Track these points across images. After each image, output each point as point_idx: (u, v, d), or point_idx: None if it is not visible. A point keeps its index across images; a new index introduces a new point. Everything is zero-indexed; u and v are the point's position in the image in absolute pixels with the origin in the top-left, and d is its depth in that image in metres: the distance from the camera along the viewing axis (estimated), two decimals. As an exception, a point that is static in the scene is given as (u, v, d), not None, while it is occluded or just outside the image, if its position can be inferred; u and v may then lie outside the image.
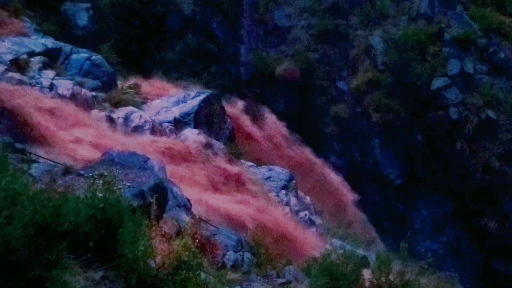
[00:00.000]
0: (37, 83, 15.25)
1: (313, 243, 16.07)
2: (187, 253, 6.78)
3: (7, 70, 14.88)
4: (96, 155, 12.74)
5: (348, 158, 26.56)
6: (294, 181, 19.83)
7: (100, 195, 7.43)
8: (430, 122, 25.27)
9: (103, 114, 16.07)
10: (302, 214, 18.34)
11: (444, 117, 24.99)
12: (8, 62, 15.30)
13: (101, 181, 8.00)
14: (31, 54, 16.46)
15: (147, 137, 15.91)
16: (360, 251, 15.36)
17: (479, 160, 24.07)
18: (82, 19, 23.14)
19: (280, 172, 19.68)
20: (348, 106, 26.89)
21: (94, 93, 16.67)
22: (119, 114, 16.53)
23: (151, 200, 8.76)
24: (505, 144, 23.86)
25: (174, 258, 6.77)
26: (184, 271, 6.56)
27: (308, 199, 20.27)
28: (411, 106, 25.52)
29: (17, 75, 14.97)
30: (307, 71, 27.30)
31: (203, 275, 7.23)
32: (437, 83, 25.31)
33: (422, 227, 25.45)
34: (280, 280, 10.90)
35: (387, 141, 25.91)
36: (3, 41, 16.43)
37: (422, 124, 25.48)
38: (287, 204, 18.27)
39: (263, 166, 19.87)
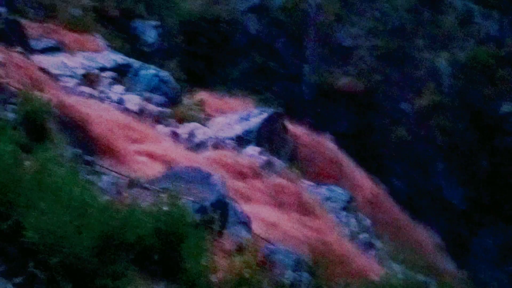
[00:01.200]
0: (106, 97, 15.74)
1: (372, 266, 15.79)
2: (249, 270, 6.81)
3: (79, 84, 15.45)
4: (160, 169, 12.99)
5: (409, 181, 26.15)
6: (354, 203, 19.62)
7: (165, 208, 7.58)
8: (497, 148, 24.74)
9: (168, 129, 16.42)
10: (361, 236, 18.09)
11: (511, 143, 24.46)
12: (80, 77, 15.89)
13: (165, 195, 8.15)
14: (102, 69, 17.04)
15: (210, 153, 16.10)
16: (421, 277, 15.02)
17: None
18: (151, 36, 23.78)
19: (340, 193, 19.50)
20: (411, 129, 26.52)
21: (160, 109, 17.05)
22: (183, 129, 16.84)
23: (214, 216, 8.83)
24: None
25: (235, 274, 6.80)
26: (245, 288, 6.59)
27: (368, 221, 19.97)
28: (477, 131, 25.04)
29: (88, 89, 15.52)
30: (370, 92, 27.14)
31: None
32: (505, 108, 24.82)
33: (486, 255, 24.80)
34: (339, 303, 10.76)
35: (451, 165, 25.45)
36: (76, 56, 17.09)
37: (488, 150, 24.95)
38: (347, 225, 18.08)
39: (322, 186, 19.74)
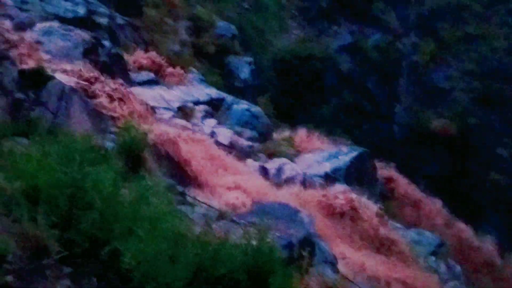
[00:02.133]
0: (199, 130, 16.14)
1: (462, 316, 15.18)
2: (336, 311, 6.69)
3: (174, 116, 15.95)
4: (248, 203, 13.12)
5: (504, 229, 25.02)
6: (445, 248, 19.00)
7: (254, 243, 7.61)
8: None
9: (257, 164, 16.59)
10: (451, 284, 17.45)
11: None
12: (176, 109, 16.42)
13: (253, 229, 8.20)
14: (197, 103, 17.54)
15: (297, 189, 16.10)
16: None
17: None
18: (244, 72, 24.27)
19: (429, 237, 18.96)
20: (507, 175, 25.49)
21: (250, 143, 17.28)
22: (272, 165, 16.96)
23: (302, 253, 8.79)
24: None
25: (322, 314, 6.71)
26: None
27: (458, 268, 19.24)
28: None
29: (182, 122, 15.99)
30: (465, 135, 26.39)
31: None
32: None
33: None
34: None
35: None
36: (172, 89, 17.70)
37: None
38: (436, 271, 17.50)
39: (412, 229, 19.26)
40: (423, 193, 22.37)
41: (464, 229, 22.07)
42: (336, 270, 12.06)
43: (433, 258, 18.06)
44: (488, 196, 25.39)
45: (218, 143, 16.02)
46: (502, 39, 27.22)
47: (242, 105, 19.08)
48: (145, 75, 18.00)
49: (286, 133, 20.73)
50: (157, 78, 18.28)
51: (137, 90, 16.05)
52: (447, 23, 28.31)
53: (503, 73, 26.64)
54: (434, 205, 22.29)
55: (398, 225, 18.64)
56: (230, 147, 16.18)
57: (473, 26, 27.85)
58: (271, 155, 17.72)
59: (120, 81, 14.78)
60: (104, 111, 12.66)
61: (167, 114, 16.00)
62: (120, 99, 13.33)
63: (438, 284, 16.56)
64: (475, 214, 24.57)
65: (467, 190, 25.58)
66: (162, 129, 14.11)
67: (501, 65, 26.75)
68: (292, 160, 18.03)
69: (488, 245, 22.40)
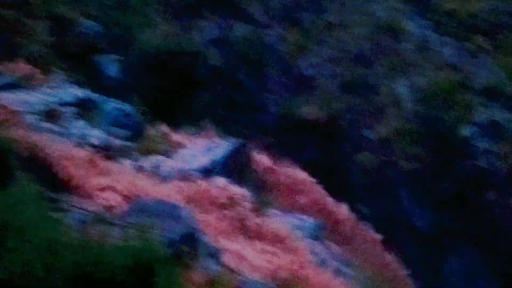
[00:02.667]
0: (68, 133, 15.48)
1: (343, 294, 15.75)
2: (223, 303, 6.69)
3: (40, 120, 15.18)
4: (126, 203, 12.79)
5: (375, 206, 26.26)
6: (322, 230, 19.61)
7: (135, 243, 7.43)
8: (459, 171, 25.07)
9: (133, 163, 16.23)
10: (332, 264, 18.04)
11: (473, 166, 24.82)
12: (42, 113, 15.63)
13: (132, 230, 8.01)
14: (64, 104, 16.80)
15: (176, 185, 15.94)
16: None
17: (511, 210, 23.75)
18: (112, 70, 23.67)
19: (307, 221, 19.47)
20: (374, 155, 26.74)
21: (124, 142, 16.86)
22: (148, 162, 16.66)
23: (185, 249, 8.71)
24: (538, 194, 23.54)
25: (209, 308, 6.68)
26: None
27: (336, 248, 19.97)
28: (439, 155, 25.38)
29: (49, 125, 15.25)
30: (333, 120, 27.37)
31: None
32: (465, 131, 25.24)
33: (454, 280, 24.97)
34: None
35: (415, 190, 25.68)
36: (37, 92, 16.84)
37: (451, 173, 25.27)
38: (316, 253, 18.02)
39: (290, 215, 19.68)
40: (301, 179, 22.97)
41: (341, 211, 22.94)
42: (220, 263, 12.07)
43: (312, 240, 18.57)
44: (360, 176, 26.55)
45: (90, 145, 15.47)
46: (361, 26, 28.50)
47: (113, 104, 18.56)
48: (5, 79, 17.01)
49: (161, 129, 20.44)
50: (18, 81, 17.33)
51: (-4, 95, 15.15)
52: (309, 12, 29.23)
53: (364, 59, 27.94)
54: (312, 190, 22.99)
55: (278, 212, 19.00)
56: (103, 148, 15.68)
57: (333, 15, 28.95)
58: (146, 153, 17.40)
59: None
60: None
61: (32, 118, 15.21)
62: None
63: (320, 267, 17.08)
64: (350, 195, 25.63)
65: (341, 172, 26.59)
66: (27, 134, 13.41)
67: (361, 51, 28.03)
68: (168, 157, 17.81)
69: (363, 224, 23.49)
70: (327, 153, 27.45)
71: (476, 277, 24.88)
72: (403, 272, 22.94)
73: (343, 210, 23.20)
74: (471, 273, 24.91)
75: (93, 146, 15.47)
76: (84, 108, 17.56)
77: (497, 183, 23.92)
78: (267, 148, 24.21)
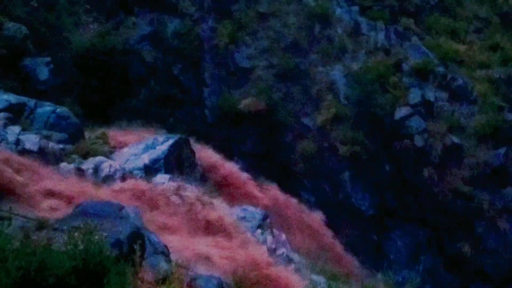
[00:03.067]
0: (2, 139, 15.02)
1: (293, 280, 15.91)
2: (176, 298, 6.66)
3: (-30, 128, 14.69)
4: (68, 207, 12.52)
5: (319, 193, 26.55)
6: (268, 220, 19.71)
7: (81, 246, 7.30)
8: (397, 152, 25.49)
9: (72, 166, 15.88)
10: (279, 252, 18.21)
11: (409, 146, 25.24)
12: (-29, 120, 15.12)
13: (77, 234, 7.85)
14: (-6, 111, 16.30)
15: (118, 185, 15.72)
16: (342, 285, 15.27)
17: (447, 186, 24.31)
18: (43, 73, 23.04)
19: (254, 212, 19.55)
20: (314, 142, 26.95)
21: (61, 146, 16.48)
22: (88, 165, 16.34)
23: (133, 248, 8.61)
24: (472, 169, 24.22)
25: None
26: (175, 317, 6.42)
27: (283, 236, 20.13)
28: (377, 137, 25.76)
29: (-19, 133, 14.78)
30: (272, 110, 27.42)
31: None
32: (400, 112, 25.64)
33: (397, 257, 25.40)
34: (267, 320, 10.74)
35: (356, 173, 26.02)
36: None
37: (389, 154, 25.70)
38: (264, 243, 18.12)
39: (236, 207, 19.73)
40: (244, 171, 23.03)
41: (285, 199, 23.15)
42: (169, 260, 11.99)
43: (259, 231, 18.67)
44: (302, 164, 26.73)
45: (26, 151, 15.06)
46: (292, 15, 28.66)
47: (47, 108, 18.10)
48: None
49: (99, 130, 20.09)
50: None
51: None
52: (240, 4, 29.17)
53: (297, 48, 28.12)
54: (256, 181, 23.09)
55: (223, 205, 19.01)
56: (40, 153, 15.29)
57: (265, 5, 29.00)
58: (85, 155, 17.07)
59: None
60: None
61: (-37, 128, 14.71)
62: None
63: (267, 254, 17.21)
64: (294, 182, 25.84)
65: (281, 162, 26.72)
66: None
67: (294, 40, 28.19)
68: (109, 157, 17.53)
69: (307, 210, 23.78)
70: (268, 143, 27.53)
71: (419, 254, 25.40)
72: (347, 252, 23.40)
73: (287, 198, 23.44)
74: (415, 251, 25.42)
75: (30, 151, 15.06)
76: (18, 114, 17.05)
77: (434, 161, 24.45)
78: (208, 142, 24.16)
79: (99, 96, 25.88)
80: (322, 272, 19.08)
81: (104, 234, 9.80)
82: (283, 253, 18.48)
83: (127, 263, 8.12)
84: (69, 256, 6.97)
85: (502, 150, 23.84)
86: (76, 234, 7.88)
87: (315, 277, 17.90)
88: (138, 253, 9.30)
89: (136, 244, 9.86)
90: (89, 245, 7.38)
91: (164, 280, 9.29)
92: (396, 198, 25.85)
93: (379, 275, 24.38)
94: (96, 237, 7.77)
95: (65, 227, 10.07)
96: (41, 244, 6.78)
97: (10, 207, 10.76)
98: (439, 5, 29.37)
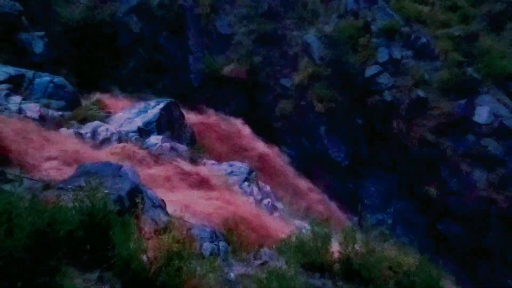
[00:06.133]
0: (5, 108, 14.81)
1: (279, 226, 16.10)
2: (177, 244, 6.70)
3: (-26, 99, 14.44)
4: (70, 169, 12.44)
5: (299, 147, 26.68)
6: (254, 173, 19.83)
7: (87, 203, 7.29)
8: (368, 107, 25.57)
9: (71, 131, 15.74)
10: (265, 201, 18.37)
11: (379, 101, 25.30)
12: (-25, 92, 14.86)
13: (81, 192, 7.82)
14: (-4, 83, 16.03)
15: (115, 147, 15.65)
16: (323, 228, 15.44)
17: (415, 135, 24.47)
18: (38, 46, 22.62)
19: (240, 167, 19.65)
20: (293, 101, 26.97)
21: (60, 113, 16.32)
22: (86, 129, 16.22)
23: (134, 202, 8.61)
24: (436, 119, 24.35)
25: (165, 250, 6.68)
26: (177, 261, 6.48)
27: (268, 188, 20.30)
28: (349, 94, 25.79)
29: (-15, 104, 14.55)
30: (252, 73, 27.33)
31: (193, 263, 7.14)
32: (370, 71, 25.64)
33: (371, 202, 25.76)
34: (258, 262, 10.87)
35: (331, 128, 26.14)
36: (-34, 72, 15.95)
37: (361, 109, 25.78)
38: (251, 194, 18.27)
39: (224, 163, 19.80)
40: (231, 129, 23.05)
41: (269, 153, 23.25)
42: (166, 213, 12.04)
43: (246, 183, 18.79)
44: (282, 121, 26.78)
45: (28, 118, 14.86)
46: (268, -16, 28.28)
47: (45, 78, 17.85)
48: None
49: (94, 98, 19.91)
50: None
51: None
52: (220, -25, 28.68)
53: (273, 14, 27.83)
54: (241, 137, 23.11)
55: (212, 161, 19.06)
56: (41, 120, 15.11)
57: (242, -25, 28.53)
58: (83, 121, 16.94)
59: None
60: None
61: (-33, 99, 14.45)
62: None
63: (254, 204, 17.37)
64: (276, 138, 25.92)
65: (264, 120, 26.72)
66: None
67: (270, 6, 27.89)
68: (104, 122, 17.41)
69: (288, 162, 23.93)
70: (250, 104, 27.47)
71: (391, 198, 25.74)
72: (327, 200, 23.68)
73: (271, 153, 23.55)
74: (386, 195, 25.75)
75: (32, 118, 14.89)
76: (18, 84, 16.79)
77: (401, 113, 24.56)
78: (196, 104, 24.07)
79: (91, 66, 25.55)
80: (303, 218, 19.33)
81: (106, 191, 9.83)
82: (268, 203, 18.65)
83: (129, 216, 8.13)
84: (77, 212, 6.97)
85: (463, 101, 23.97)
86: (80, 192, 7.85)
87: (297, 222, 18.15)
88: (141, 206, 9.31)
89: (138, 198, 9.87)
90: (94, 201, 7.37)
91: (164, 230, 9.32)
92: (369, 149, 26.05)
93: (356, 219, 24.87)
94: (100, 194, 7.75)
95: (69, 187, 10.03)
96: (50, 202, 6.74)
97: (20, 171, 10.67)
98: (403, -31, 29.07)
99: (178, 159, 17.01)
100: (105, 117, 17.94)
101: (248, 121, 24.93)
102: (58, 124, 15.71)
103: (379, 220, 24.79)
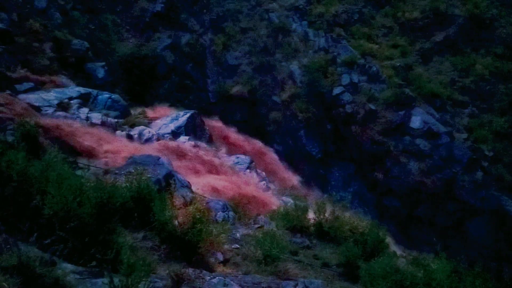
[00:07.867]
0: (77, 117, 14.83)
1: (272, 201, 16.15)
2: (199, 213, 6.72)
3: (55, 110, 14.43)
4: (123, 160, 12.48)
5: (285, 145, 26.67)
6: (253, 163, 19.88)
7: (135, 183, 7.31)
8: (334, 116, 25.56)
9: (124, 133, 15.78)
10: (262, 183, 18.42)
11: (342, 112, 25.27)
12: (55, 105, 14.84)
13: (131, 176, 7.85)
14: (70, 98, 16.01)
15: (155, 144, 15.68)
16: (303, 202, 15.49)
17: (367, 136, 24.48)
18: (100, 73, 22.67)
19: (244, 158, 19.72)
20: (281, 112, 26.97)
21: (116, 120, 16.34)
22: (134, 132, 16.26)
23: (170, 181, 8.61)
24: (382, 125, 24.35)
25: (190, 217, 6.70)
26: (199, 225, 6.50)
27: (263, 173, 20.34)
28: (321, 107, 25.77)
29: (62, 113, 14.54)
30: (252, 92, 27.32)
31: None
32: (336, 91, 25.58)
33: (336, 183, 25.70)
34: (256, 225, 10.91)
35: (308, 131, 26.12)
36: (50, 92, 15.92)
37: (329, 118, 25.76)
38: (251, 177, 18.31)
39: (232, 156, 19.86)
40: (236, 133, 23.06)
41: (263, 148, 23.26)
42: (191, 191, 12.07)
43: (248, 170, 18.83)
44: (273, 127, 26.75)
45: (93, 124, 14.90)
46: (263, 29, 28.21)
47: (105, 95, 17.88)
48: (26, 85, 15.96)
49: (140, 109, 19.93)
50: (36, 86, 16.31)
51: (22, 96, 14.21)
52: (229, 22, 28.66)
53: (268, 50, 27.80)
54: (243, 138, 23.12)
55: (224, 154, 19.10)
56: (102, 125, 15.14)
57: (245, 23, 28.50)
58: (132, 125, 16.97)
59: (8, 91, 12.92)
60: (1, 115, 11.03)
61: (50, 110, 14.44)
62: (11, 104, 11.67)
63: (254, 185, 17.38)
64: (268, 139, 25.92)
65: (260, 126, 26.70)
66: (48, 120, 12.75)
67: (266, 45, 27.84)
68: (147, 126, 17.45)
69: (277, 156, 23.87)
70: (250, 114, 27.49)
71: (350, 181, 25.75)
72: (301, 183, 23.66)
73: (265, 149, 23.57)
74: (347, 179, 25.77)
75: (96, 124, 14.91)
76: (85, 100, 16.80)
77: (358, 121, 24.56)
78: (211, 115, 24.07)
79: (138, 87, 25.53)
80: (289, 195, 19.36)
81: (149, 175, 9.87)
82: (264, 184, 18.70)
83: (165, 193, 8.16)
84: (128, 189, 6.97)
85: (402, 112, 23.96)
86: (130, 176, 7.87)
87: (285, 198, 18.18)
88: (173, 186, 9.35)
89: (171, 180, 9.90)
90: (140, 182, 7.38)
91: (190, 203, 9.35)
92: (334, 146, 26.04)
93: (325, 196, 24.87)
94: (144, 178, 7.77)
95: (122, 172, 10.08)
96: (109, 183, 6.75)
97: (87, 161, 10.68)
98: (360, 19, 28.98)
99: (200, 153, 17.05)
100: (148, 123, 17.95)
101: (248, 127, 24.95)
102: (114, 128, 15.72)
103: (342, 196, 24.73)
